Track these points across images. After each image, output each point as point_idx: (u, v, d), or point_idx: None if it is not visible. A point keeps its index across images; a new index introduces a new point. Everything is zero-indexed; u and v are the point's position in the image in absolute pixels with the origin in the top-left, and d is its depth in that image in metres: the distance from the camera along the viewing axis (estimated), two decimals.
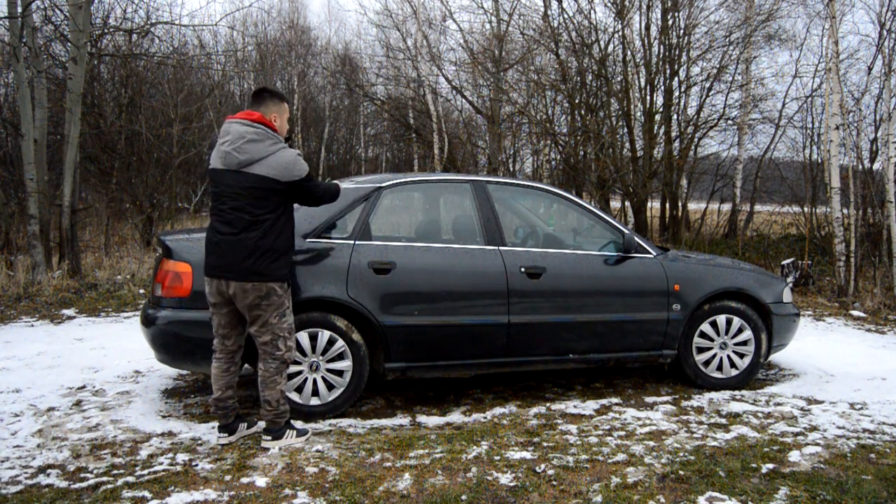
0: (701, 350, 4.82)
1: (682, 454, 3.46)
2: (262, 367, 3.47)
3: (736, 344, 4.85)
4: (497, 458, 3.37)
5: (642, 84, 12.71)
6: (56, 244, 9.23)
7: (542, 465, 3.28)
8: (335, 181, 3.85)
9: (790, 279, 9.39)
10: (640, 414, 4.16)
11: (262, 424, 3.75)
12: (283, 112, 3.53)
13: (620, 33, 12.45)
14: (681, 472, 3.21)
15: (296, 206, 4.35)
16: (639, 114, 12.87)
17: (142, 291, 8.15)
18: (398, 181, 4.47)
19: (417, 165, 20.60)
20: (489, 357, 4.35)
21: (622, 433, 3.79)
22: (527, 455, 3.41)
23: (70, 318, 6.95)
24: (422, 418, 4.13)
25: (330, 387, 4.03)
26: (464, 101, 16.73)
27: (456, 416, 4.17)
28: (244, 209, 3.32)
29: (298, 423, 3.72)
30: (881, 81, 10.17)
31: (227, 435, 3.55)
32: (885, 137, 9.12)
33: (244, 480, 3.07)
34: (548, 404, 4.38)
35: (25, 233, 9.00)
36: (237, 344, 3.54)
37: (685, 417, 4.12)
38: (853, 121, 11.05)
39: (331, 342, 4.00)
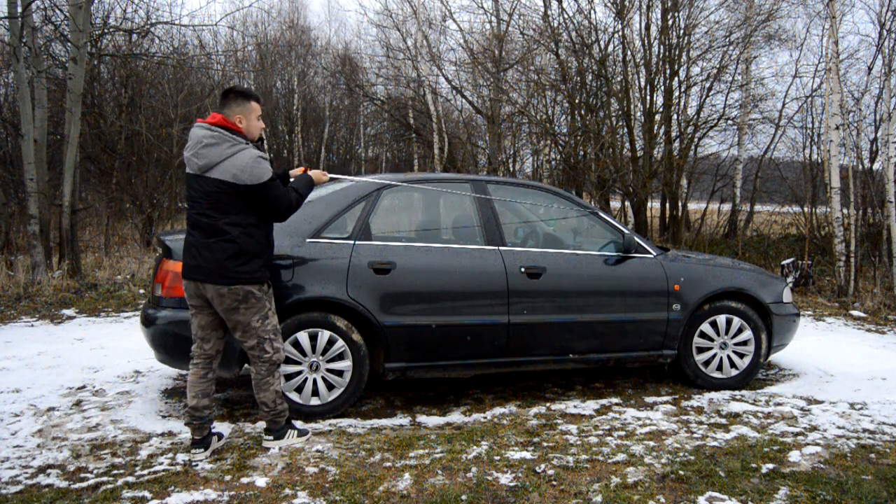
0: (701, 350, 4.82)
1: (682, 454, 3.46)
2: (253, 370, 3.46)
3: (736, 344, 4.85)
4: (497, 458, 3.37)
5: (642, 84, 12.71)
6: (56, 244, 9.23)
7: (542, 465, 3.28)
8: (311, 172, 3.61)
9: (790, 279, 9.39)
10: (640, 414, 4.16)
11: (261, 425, 3.75)
12: (249, 112, 3.35)
13: (620, 33, 12.45)
14: (681, 472, 3.21)
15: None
16: (639, 114, 12.87)
17: (142, 291, 8.15)
18: (398, 181, 4.47)
19: (417, 165, 20.60)
20: (489, 357, 4.35)
21: (622, 433, 3.79)
22: (527, 455, 3.41)
23: (70, 318, 6.95)
24: (422, 418, 4.13)
25: (330, 387, 4.03)
26: (464, 101, 16.74)
27: (456, 416, 4.17)
28: (206, 214, 3.25)
29: (299, 424, 3.71)
30: (881, 81, 10.18)
31: (202, 450, 3.37)
32: (885, 137, 9.13)
33: (244, 480, 3.07)
34: (548, 404, 4.38)
35: (25, 233, 9.00)
36: (216, 348, 3.45)
37: (685, 417, 4.12)
38: (853, 121, 11.06)
39: (331, 342, 4.00)
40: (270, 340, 3.39)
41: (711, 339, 4.82)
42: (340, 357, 4.03)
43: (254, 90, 3.46)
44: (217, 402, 4.42)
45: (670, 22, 12.63)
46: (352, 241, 4.12)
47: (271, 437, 3.50)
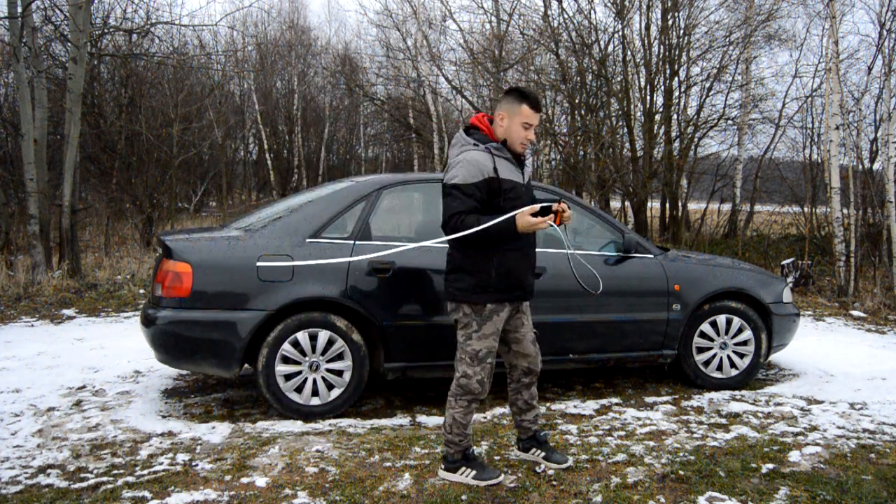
0: (701, 350, 4.82)
1: (682, 454, 3.46)
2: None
3: (736, 344, 4.85)
4: (497, 458, 3.37)
5: (642, 84, 12.70)
6: (56, 244, 9.23)
7: (542, 465, 3.27)
8: (519, 213, 2.86)
9: (790, 279, 9.39)
10: (640, 414, 4.16)
11: (261, 425, 3.74)
12: (515, 114, 2.98)
13: (620, 33, 12.44)
14: (681, 472, 3.21)
15: (298, 205, 4.38)
16: (639, 114, 12.86)
17: (142, 291, 8.15)
18: (398, 181, 4.47)
19: (417, 165, 20.60)
20: None
21: (622, 433, 3.79)
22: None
23: (70, 318, 6.95)
24: (422, 418, 4.13)
25: (330, 387, 4.03)
26: (464, 101, 16.72)
27: None
28: None
29: (492, 469, 3.14)
30: (881, 81, 10.18)
31: (519, 451, 3.40)
32: (885, 137, 9.12)
33: (244, 480, 3.07)
34: (548, 404, 4.37)
35: (25, 233, 9.00)
36: (508, 362, 3.26)
37: (685, 417, 4.12)
38: (853, 121, 11.05)
39: (330, 342, 4.00)
40: (464, 361, 3.04)
41: (711, 339, 4.82)
42: (340, 357, 4.03)
43: (534, 93, 3.04)
44: (217, 402, 4.42)
45: (670, 22, 12.63)
46: (352, 241, 4.12)
47: (442, 466, 3.15)
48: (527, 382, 3.27)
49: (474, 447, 3.15)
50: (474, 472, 3.08)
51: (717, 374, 4.85)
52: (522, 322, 3.18)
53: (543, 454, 3.33)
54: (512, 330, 3.16)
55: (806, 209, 12.06)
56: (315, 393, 4.01)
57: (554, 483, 3.10)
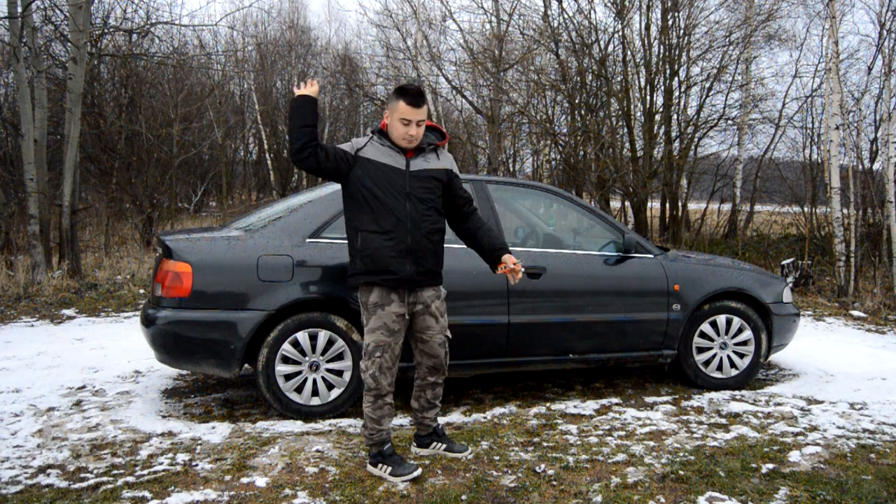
0: (701, 350, 4.82)
1: (682, 454, 3.46)
2: None
3: (736, 344, 4.85)
4: (497, 458, 3.37)
5: (642, 84, 12.70)
6: (56, 244, 9.23)
7: (542, 465, 3.28)
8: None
9: (790, 279, 9.39)
10: (640, 414, 4.16)
11: (261, 425, 3.74)
12: (392, 110, 3.07)
13: (620, 33, 12.44)
14: (681, 472, 3.21)
15: (298, 205, 4.39)
16: (639, 114, 12.86)
17: (142, 291, 8.15)
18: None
19: None
20: (489, 357, 4.35)
21: (622, 433, 3.79)
22: (527, 455, 3.41)
23: (70, 318, 6.95)
24: None
25: (330, 387, 4.03)
26: (464, 101, 16.72)
27: (456, 416, 4.17)
28: None
29: (409, 464, 3.15)
30: (881, 81, 10.18)
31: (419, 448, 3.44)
32: (885, 137, 9.12)
33: (244, 480, 3.07)
34: (548, 404, 4.37)
35: (25, 233, 9.00)
36: (416, 359, 3.32)
37: (685, 417, 4.12)
38: (853, 121, 11.06)
39: (331, 342, 4.00)
40: (363, 356, 3.13)
41: (711, 339, 4.82)
42: (340, 357, 4.03)
43: (414, 89, 3.07)
44: (217, 402, 4.42)
45: (670, 22, 12.63)
46: None
47: (368, 460, 3.23)
48: (431, 382, 3.33)
49: (391, 444, 3.21)
50: (390, 469, 3.12)
51: (717, 374, 4.85)
52: (429, 324, 3.20)
53: (445, 446, 3.41)
54: (418, 330, 3.21)
55: (806, 209, 12.07)
56: (315, 393, 4.01)
57: (554, 483, 3.10)
